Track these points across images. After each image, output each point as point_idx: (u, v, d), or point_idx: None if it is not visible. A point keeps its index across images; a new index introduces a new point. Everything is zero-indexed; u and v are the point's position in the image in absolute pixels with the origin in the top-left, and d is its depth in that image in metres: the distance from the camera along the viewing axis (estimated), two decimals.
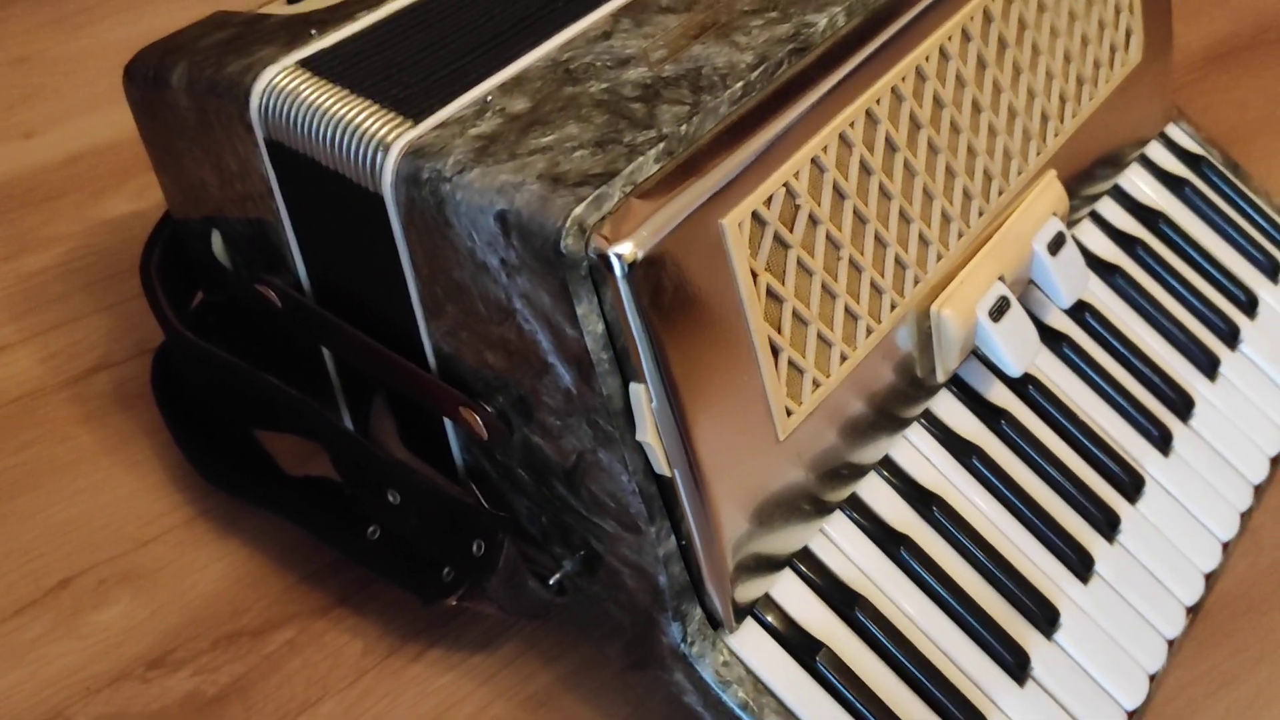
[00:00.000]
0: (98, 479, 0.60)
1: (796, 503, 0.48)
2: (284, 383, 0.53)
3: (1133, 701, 0.50)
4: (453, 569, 0.50)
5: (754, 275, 0.43)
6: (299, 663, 0.53)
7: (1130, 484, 0.56)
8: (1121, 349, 0.60)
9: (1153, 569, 0.55)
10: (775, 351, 0.44)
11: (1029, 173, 0.56)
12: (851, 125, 0.46)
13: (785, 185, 0.43)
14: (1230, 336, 0.63)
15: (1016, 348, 0.54)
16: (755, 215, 0.42)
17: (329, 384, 0.55)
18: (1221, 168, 0.70)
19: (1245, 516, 0.58)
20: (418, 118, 0.43)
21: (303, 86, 0.45)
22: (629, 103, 0.42)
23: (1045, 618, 0.51)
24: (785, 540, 0.48)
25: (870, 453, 0.51)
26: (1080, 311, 0.60)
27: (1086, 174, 0.63)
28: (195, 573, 0.56)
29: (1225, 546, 0.57)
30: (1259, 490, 0.59)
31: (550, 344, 0.41)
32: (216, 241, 0.55)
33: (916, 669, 0.48)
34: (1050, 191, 0.58)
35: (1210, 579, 0.56)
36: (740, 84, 0.43)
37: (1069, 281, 0.57)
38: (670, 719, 0.52)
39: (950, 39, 0.50)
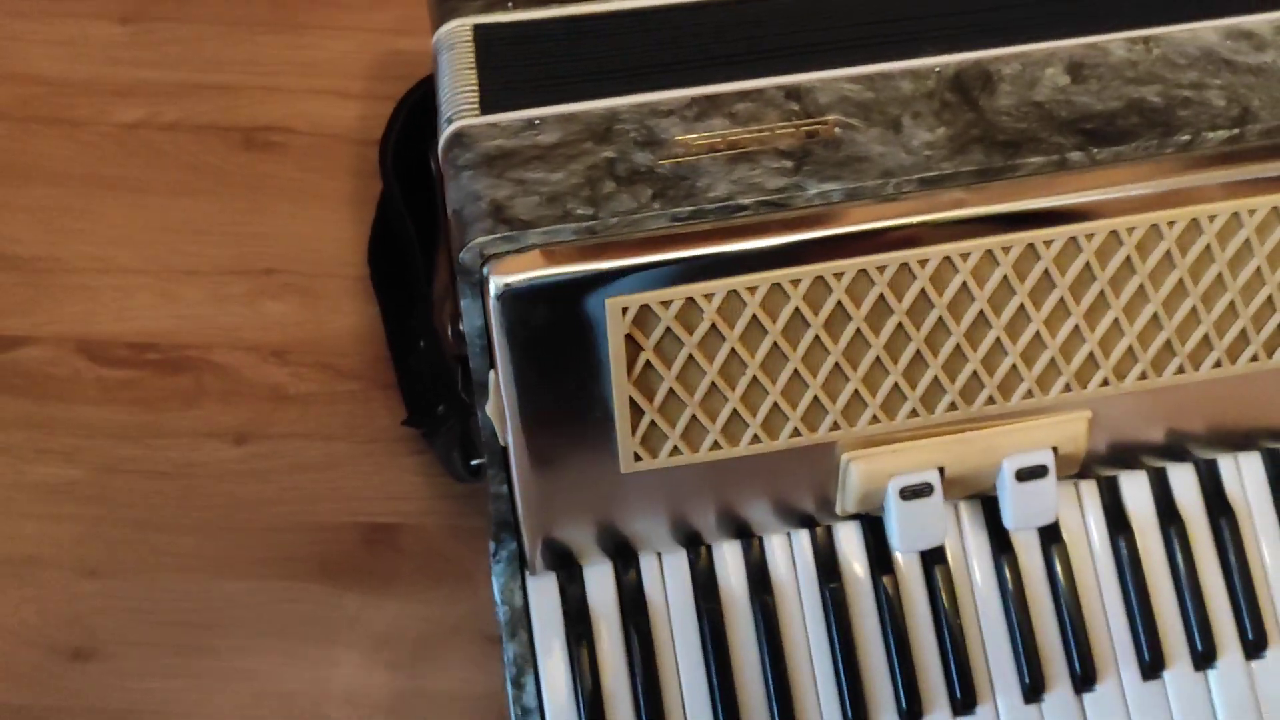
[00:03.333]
0: (337, 218, 0.81)
1: (637, 523, 0.58)
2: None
3: None
4: (425, 413, 0.66)
5: (638, 348, 0.52)
6: (348, 408, 0.73)
7: (962, 702, 0.59)
8: (1062, 597, 0.61)
9: None
10: (639, 410, 0.54)
11: (1044, 402, 0.57)
12: (794, 284, 0.52)
13: (690, 298, 0.51)
14: (1203, 659, 0.61)
15: (910, 532, 0.58)
16: (647, 307, 0.51)
17: None
18: None
19: None
20: (486, 110, 0.55)
21: (457, 45, 0.58)
22: (609, 179, 0.52)
23: None
24: (621, 540, 0.59)
25: (752, 524, 0.59)
26: (1050, 541, 0.61)
27: (1182, 433, 0.60)
28: (340, 314, 0.77)
29: None
30: None
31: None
32: None
33: (645, 700, 0.58)
34: (1068, 428, 0.58)
35: None
36: (690, 209, 0.50)
37: (1021, 510, 0.58)
38: None
39: (976, 271, 0.52)
